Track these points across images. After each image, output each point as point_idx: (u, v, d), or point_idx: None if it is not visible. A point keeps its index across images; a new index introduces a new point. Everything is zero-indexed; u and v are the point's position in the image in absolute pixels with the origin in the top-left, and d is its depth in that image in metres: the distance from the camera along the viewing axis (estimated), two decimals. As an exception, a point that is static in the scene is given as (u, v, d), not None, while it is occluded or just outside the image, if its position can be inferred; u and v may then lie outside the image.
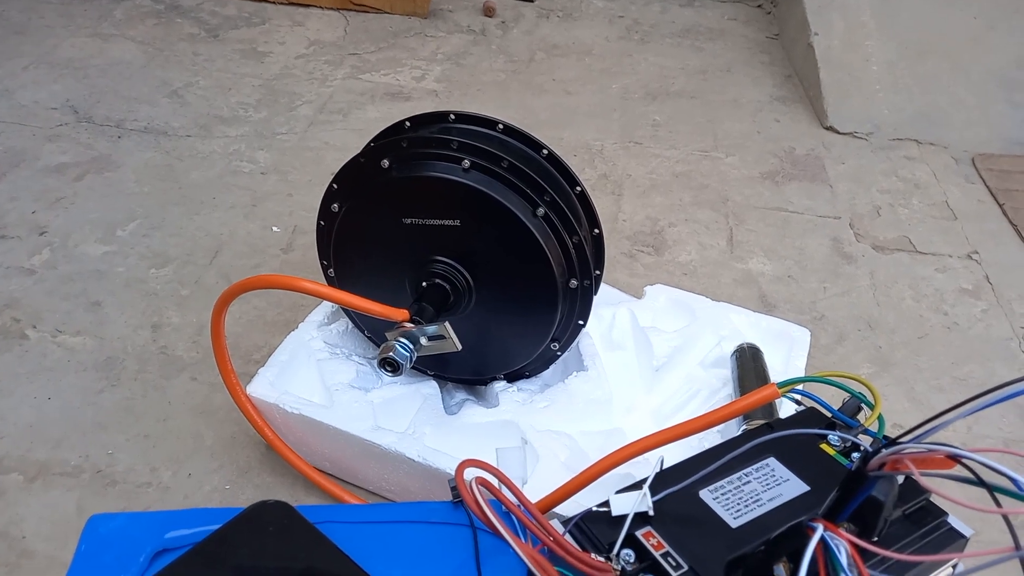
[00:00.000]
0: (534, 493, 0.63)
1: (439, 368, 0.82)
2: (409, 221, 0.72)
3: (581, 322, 0.77)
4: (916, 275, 1.10)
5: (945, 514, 0.48)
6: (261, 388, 0.76)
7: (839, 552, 0.34)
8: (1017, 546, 0.34)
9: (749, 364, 0.79)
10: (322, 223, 0.76)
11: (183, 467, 0.79)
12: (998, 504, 0.38)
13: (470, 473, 0.44)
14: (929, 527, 0.47)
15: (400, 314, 0.68)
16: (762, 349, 0.85)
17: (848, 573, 0.33)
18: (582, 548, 0.46)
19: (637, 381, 0.84)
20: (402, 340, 0.66)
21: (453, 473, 0.55)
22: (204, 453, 0.81)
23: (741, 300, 1.04)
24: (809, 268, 1.11)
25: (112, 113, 1.30)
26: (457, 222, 0.71)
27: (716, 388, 0.83)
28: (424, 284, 0.73)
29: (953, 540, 0.47)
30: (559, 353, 0.79)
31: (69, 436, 0.81)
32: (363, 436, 0.72)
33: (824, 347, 0.98)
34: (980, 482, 0.34)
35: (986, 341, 1.00)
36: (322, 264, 0.79)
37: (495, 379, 0.81)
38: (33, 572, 0.70)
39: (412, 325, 0.68)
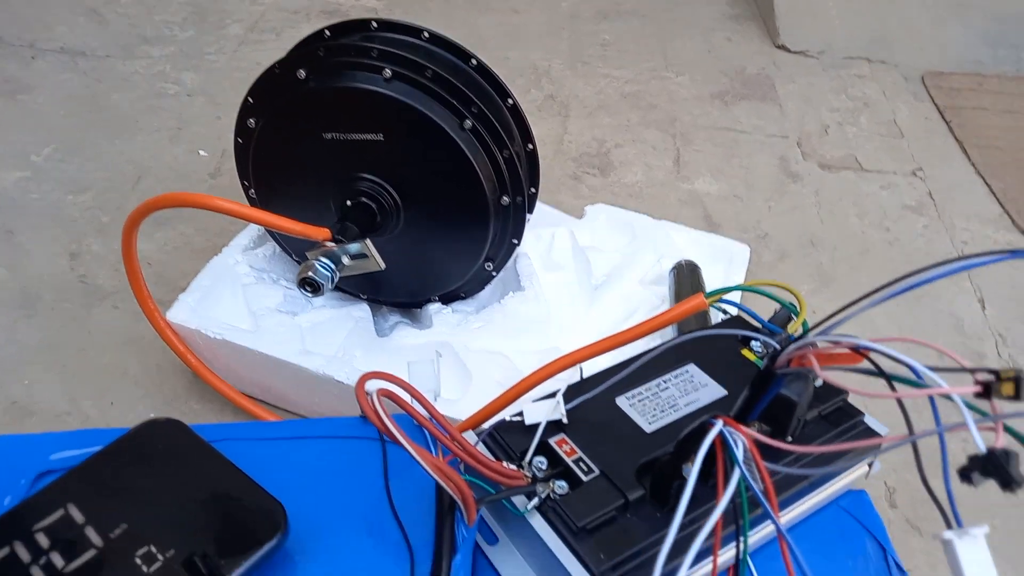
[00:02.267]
0: (468, 412, 0.61)
1: (372, 291, 0.79)
2: (330, 136, 0.68)
3: (515, 241, 0.74)
4: (861, 192, 1.10)
5: (861, 414, 0.47)
6: (182, 314, 0.73)
7: (736, 446, 0.33)
8: (910, 431, 0.33)
9: (686, 280, 0.78)
10: (239, 140, 0.72)
11: (105, 396, 0.76)
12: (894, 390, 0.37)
13: (374, 386, 0.42)
14: (845, 426, 0.46)
15: (321, 233, 0.65)
16: (702, 266, 0.84)
17: (743, 467, 0.32)
18: (496, 458, 0.45)
19: (576, 300, 0.83)
20: (323, 259, 0.63)
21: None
22: (128, 382, 0.78)
23: (686, 220, 1.03)
24: (755, 187, 1.10)
25: (24, 33, 1.22)
26: (380, 136, 0.68)
27: (655, 305, 0.82)
28: (348, 203, 0.70)
29: (869, 438, 0.46)
30: (494, 273, 0.77)
31: (-16, 370, 0.78)
32: (290, 360, 0.70)
33: (767, 264, 0.98)
34: (880, 372, 0.34)
35: (926, 256, 1.01)
36: (243, 185, 0.75)
37: (430, 301, 0.79)
38: (-52, 507, 0.67)
39: (334, 244, 0.65)
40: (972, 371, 0.31)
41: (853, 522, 0.47)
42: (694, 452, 0.37)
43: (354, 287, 0.80)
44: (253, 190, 0.75)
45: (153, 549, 0.36)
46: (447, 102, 0.66)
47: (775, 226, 1.04)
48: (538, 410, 0.45)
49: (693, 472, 0.32)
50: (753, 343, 0.51)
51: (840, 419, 0.46)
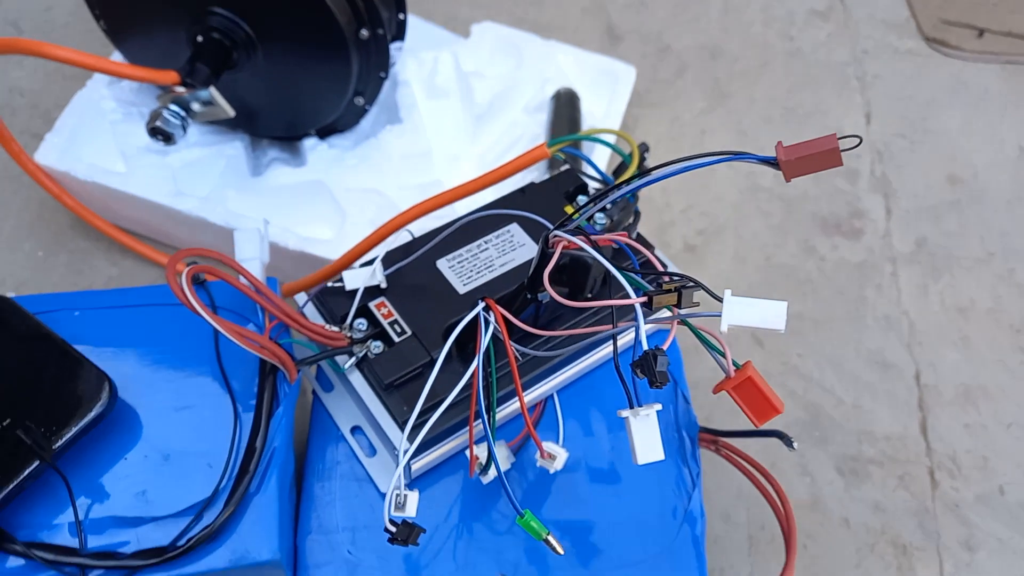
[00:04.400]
0: (341, 251, 0.64)
1: (247, 125, 0.78)
2: (171, -36, 0.64)
3: (383, 74, 0.73)
4: (771, -4, 1.06)
5: (662, 268, 0.51)
6: (50, 156, 0.72)
7: (486, 328, 0.37)
8: (614, 323, 0.37)
9: (564, 112, 0.79)
10: (78, -34, 0.67)
11: (-8, 237, 0.78)
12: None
13: (185, 267, 0.45)
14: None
15: (168, 77, 0.63)
16: (588, 88, 0.84)
17: (484, 347, 0.37)
18: (324, 320, 0.49)
19: (459, 130, 0.82)
20: (171, 107, 0.62)
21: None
22: (12, 219, 0.79)
23: (587, 31, 1.00)
24: (663, -9, 1.05)
25: None
26: (223, -35, 0.64)
27: (537, 134, 0.82)
28: (199, 39, 0.67)
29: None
30: (367, 108, 0.76)
31: None
32: (164, 203, 0.71)
33: (664, 81, 0.97)
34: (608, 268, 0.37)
35: (825, 67, 1.00)
36: (93, 14, 0.71)
37: (307, 135, 0.79)
38: None
39: (184, 89, 0.63)
40: (650, 291, 0.34)
41: (651, 362, 0.52)
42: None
43: (231, 119, 0.78)
44: (103, 20, 0.71)
45: (-11, 420, 0.40)
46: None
47: (677, 37, 1.01)
48: (357, 276, 0.48)
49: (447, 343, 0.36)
50: (579, 197, 0.54)
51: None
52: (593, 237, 0.37)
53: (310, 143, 0.78)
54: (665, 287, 0.33)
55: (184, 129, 0.63)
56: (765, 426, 0.47)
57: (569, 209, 0.53)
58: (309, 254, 0.70)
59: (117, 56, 0.78)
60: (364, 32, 0.68)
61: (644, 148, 0.58)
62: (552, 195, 0.54)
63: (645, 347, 0.33)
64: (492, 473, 0.44)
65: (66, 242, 0.78)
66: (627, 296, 0.35)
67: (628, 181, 0.40)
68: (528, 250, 0.51)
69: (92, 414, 0.41)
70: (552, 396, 0.51)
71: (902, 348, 0.81)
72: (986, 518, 0.72)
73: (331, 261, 0.67)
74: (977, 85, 1.00)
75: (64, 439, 0.40)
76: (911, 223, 0.89)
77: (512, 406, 0.49)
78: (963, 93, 0.99)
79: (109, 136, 0.75)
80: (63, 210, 0.79)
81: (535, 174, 0.77)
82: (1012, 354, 0.81)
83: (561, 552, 0.39)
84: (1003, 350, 0.81)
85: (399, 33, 0.78)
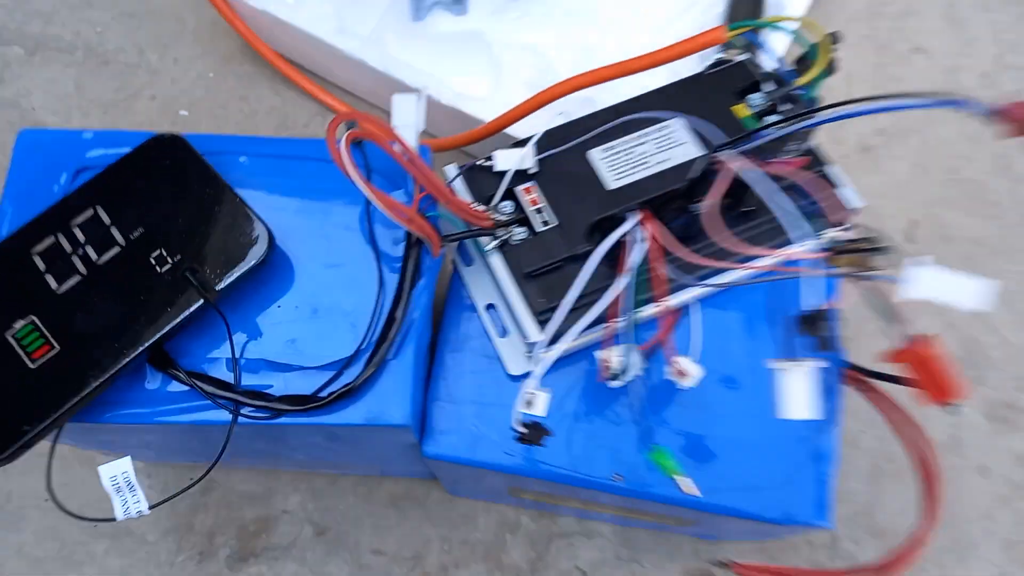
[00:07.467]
0: (495, 112, 0.62)
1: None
2: None
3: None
4: None
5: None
6: (224, -23, 0.73)
7: (636, 247, 0.35)
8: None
9: (749, -21, 0.70)
10: None
11: (168, 51, 0.81)
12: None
13: (344, 131, 0.44)
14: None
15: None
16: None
17: (633, 269, 0.35)
18: (473, 195, 0.49)
19: (631, -14, 0.76)
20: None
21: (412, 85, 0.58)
22: (188, 37, 0.81)
23: None
24: None
25: None
26: None
27: (712, 2, 0.75)
28: None
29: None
30: (538, -47, 0.71)
31: (59, 11, 0.82)
32: (326, 39, 0.71)
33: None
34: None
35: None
36: None
37: (471, -23, 0.75)
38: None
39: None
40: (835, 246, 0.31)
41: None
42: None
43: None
44: None
45: (164, 253, 0.44)
46: None
47: None
48: (508, 157, 0.47)
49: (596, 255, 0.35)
50: (750, 97, 0.49)
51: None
52: (768, 163, 0.34)
53: (474, -12, 0.74)
54: (848, 245, 0.30)
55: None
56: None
57: (738, 110, 0.48)
58: (462, 111, 0.69)
59: None
60: None
61: (834, 40, 0.51)
62: (721, 90, 0.50)
63: (815, 305, 0.31)
64: (619, 381, 0.44)
65: (235, 65, 0.80)
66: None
67: (814, 110, 0.35)
68: (688, 149, 0.47)
69: (253, 262, 0.44)
70: (690, 307, 0.49)
71: (1088, 294, 0.72)
72: None
73: (483, 121, 0.66)
74: None
75: (226, 283, 0.43)
76: None
77: (645, 311, 0.48)
78: None
79: (280, -38, 0.74)
80: (234, 34, 0.81)
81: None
82: None
83: (698, 495, 0.39)
84: None
85: None
